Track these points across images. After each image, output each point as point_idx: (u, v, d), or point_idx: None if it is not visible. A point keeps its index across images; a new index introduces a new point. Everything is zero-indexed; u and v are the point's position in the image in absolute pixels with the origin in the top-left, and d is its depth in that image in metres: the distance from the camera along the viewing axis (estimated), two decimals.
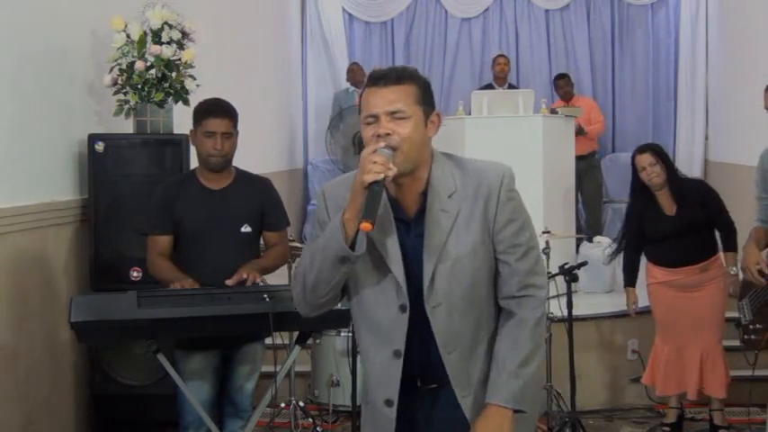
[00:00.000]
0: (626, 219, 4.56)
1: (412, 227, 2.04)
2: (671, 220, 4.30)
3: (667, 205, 4.33)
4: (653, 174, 4.28)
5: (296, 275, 2.11)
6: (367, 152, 1.93)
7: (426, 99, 2.04)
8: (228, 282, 3.18)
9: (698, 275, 4.31)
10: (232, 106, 3.39)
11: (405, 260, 2.02)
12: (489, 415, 2.00)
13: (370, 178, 1.89)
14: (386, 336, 2.04)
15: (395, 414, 2.05)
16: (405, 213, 2.05)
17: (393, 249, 2.01)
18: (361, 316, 2.10)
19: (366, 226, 1.87)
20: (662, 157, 4.33)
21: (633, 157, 4.39)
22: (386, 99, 1.98)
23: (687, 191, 4.33)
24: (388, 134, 1.96)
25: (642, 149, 4.39)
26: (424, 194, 2.04)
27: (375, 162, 1.90)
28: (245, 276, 3.19)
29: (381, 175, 1.89)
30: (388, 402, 2.06)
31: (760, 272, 3.59)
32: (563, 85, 7.84)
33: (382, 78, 2.00)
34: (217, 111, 3.30)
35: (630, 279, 4.54)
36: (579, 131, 7.45)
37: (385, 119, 1.97)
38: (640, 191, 4.39)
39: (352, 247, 1.93)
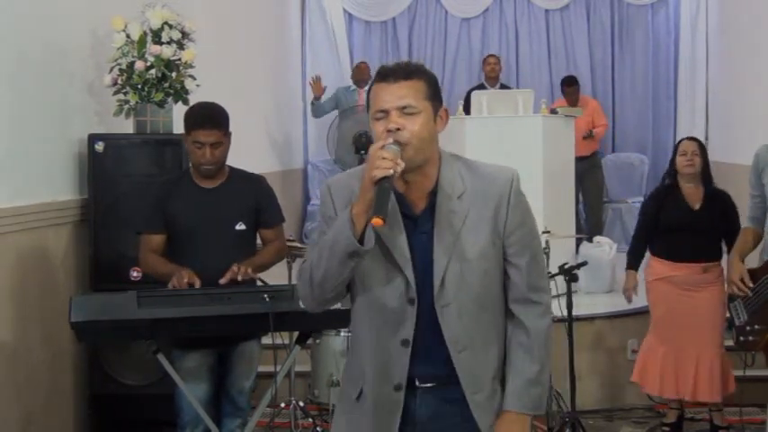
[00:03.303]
0: (645, 204, 4.64)
1: (419, 223, 2.05)
2: (694, 213, 4.34)
3: (693, 198, 4.37)
4: (692, 162, 4.35)
5: (302, 272, 2.10)
6: (375, 148, 1.94)
7: (435, 94, 2.05)
8: (221, 281, 3.18)
9: (699, 275, 4.31)
10: (222, 113, 3.36)
11: (412, 255, 2.03)
12: (510, 421, 2.08)
13: (379, 174, 1.90)
14: (394, 325, 2.05)
15: (403, 396, 2.06)
16: (411, 210, 2.06)
17: (401, 245, 2.03)
18: (366, 307, 2.09)
19: (377, 221, 1.88)
20: (705, 154, 4.44)
21: (679, 143, 4.53)
22: (395, 94, 1.99)
23: (715, 193, 4.41)
24: (398, 129, 1.97)
25: (692, 138, 4.57)
26: (432, 193, 2.05)
27: (384, 158, 1.91)
28: (235, 270, 3.19)
29: (390, 171, 1.90)
30: (398, 387, 2.05)
31: (743, 282, 3.61)
32: (571, 93, 7.78)
33: (391, 74, 2.02)
34: (204, 123, 3.28)
35: (635, 262, 4.56)
36: (587, 136, 7.49)
37: (395, 114, 1.99)
38: (671, 179, 4.45)
39: (361, 242, 1.94)
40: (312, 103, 8.18)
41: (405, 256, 2.03)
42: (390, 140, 1.95)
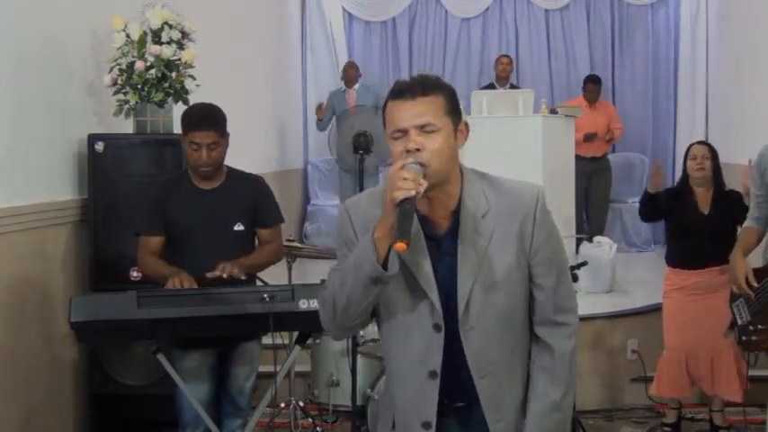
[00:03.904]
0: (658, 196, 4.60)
1: (443, 245, 1.97)
2: (703, 218, 4.33)
3: (704, 203, 4.37)
4: (702, 166, 4.35)
5: (323, 298, 2.02)
6: (395, 168, 1.84)
7: (454, 108, 1.95)
8: (208, 274, 3.16)
9: (714, 278, 4.28)
10: (219, 114, 3.35)
11: (436, 279, 1.95)
12: None
13: (401, 195, 1.80)
14: (421, 356, 1.98)
15: None
16: (435, 231, 1.98)
17: (425, 268, 1.95)
18: (392, 338, 2.03)
19: (401, 246, 1.78)
20: (716, 158, 4.42)
21: (689, 147, 4.51)
22: (413, 112, 1.89)
23: (722, 195, 4.38)
24: (418, 150, 1.87)
25: (702, 142, 4.60)
26: (456, 213, 1.97)
27: (405, 178, 1.81)
28: (221, 270, 3.16)
29: (413, 192, 1.81)
30: (427, 425, 1.99)
31: (748, 283, 3.59)
32: (593, 90, 7.87)
33: (408, 90, 1.91)
34: (201, 124, 3.26)
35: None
36: (590, 138, 7.52)
37: (414, 133, 1.88)
38: (683, 183, 4.45)
39: (385, 266, 1.85)
40: (317, 124, 8.20)
41: (429, 280, 1.95)
42: (410, 159, 1.85)
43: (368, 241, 1.86)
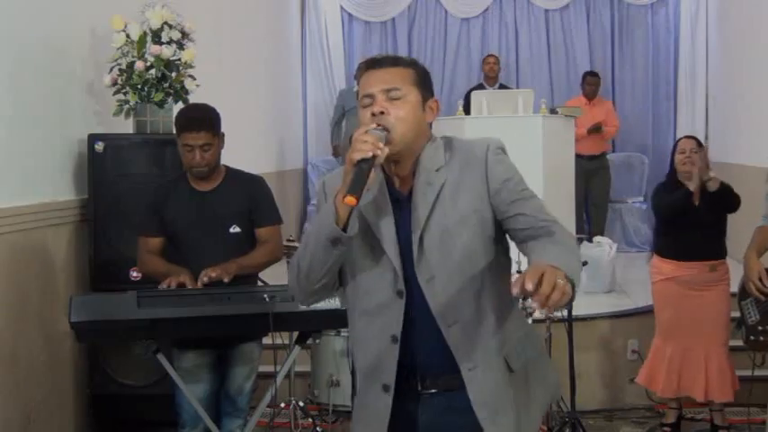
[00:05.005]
0: (653, 202, 4.57)
1: (404, 204, 2.04)
2: (694, 210, 4.30)
3: (694, 196, 4.34)
4: (689, 160, 4.32)
5: (292, 262, 2.11)
6: (359, 132, 1.93)
7: (424, 83, 2.06)
8: (199, 284, 3.16)
9: (706, 273, 4.29)
10: (211, 114, 3.34)
11: (399, 240, 2.01)
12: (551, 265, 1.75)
13: (357, 156, 1.89)
14: (382, 321, 2.03)
15: (391, 399, 2.03)
16: (399, 192, 2.06)
17: (388, 230, 2.02)
18: (356, 302, 2.09)
19: (350, 200, 1.87)
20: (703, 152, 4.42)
21: (677, 142, 4.52)
22: (381, 78, 2.01)
23: (714, 190, 4.33)
24: (382, 113, 1.97)
25: (690, 136, 4.58)
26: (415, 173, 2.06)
27: (365, 141, 1.90)
28: (204, 281, 3.15)
29: (370, 153, 1.89)
30: (386, 387, 2.04)
31: (761, 282, 3.57)
32: (592, 83, 7.91)
33: (379, 61, 2.04)
34: (192, 125, 3.26)
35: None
36: (596, 129, 7.53)
37: (381, 97, 1.99)
38: (671, 178, 4.44)
39: (345, 228, 1.92)
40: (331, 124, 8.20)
41: (391, 241, 2.01)
42: (374, 125, 1.95)
43: (330, 204, 1.96)
